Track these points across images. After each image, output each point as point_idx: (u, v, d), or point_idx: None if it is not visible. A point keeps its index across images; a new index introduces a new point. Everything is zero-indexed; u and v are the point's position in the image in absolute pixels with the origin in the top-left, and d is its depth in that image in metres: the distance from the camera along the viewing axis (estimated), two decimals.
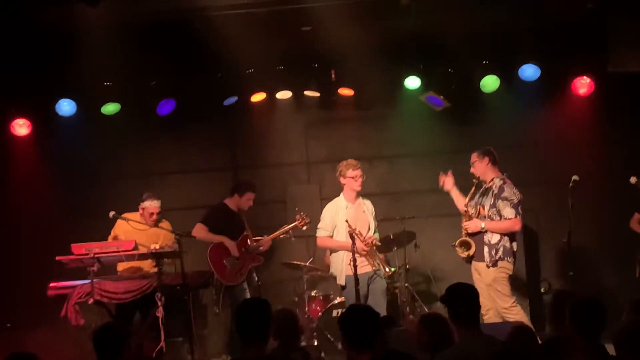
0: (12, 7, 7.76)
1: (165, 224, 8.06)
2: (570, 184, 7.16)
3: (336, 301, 8.31)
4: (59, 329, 7.89)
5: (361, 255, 7.46)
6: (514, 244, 7.30)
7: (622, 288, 8.53)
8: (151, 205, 7.98)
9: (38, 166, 9.45)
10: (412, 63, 9.13)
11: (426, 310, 8.58)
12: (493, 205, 7.28)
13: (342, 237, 7.59)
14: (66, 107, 9.20)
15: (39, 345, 8.33)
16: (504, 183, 7.32)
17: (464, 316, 4.59)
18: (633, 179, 7.43)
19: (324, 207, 7.90)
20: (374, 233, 7.71)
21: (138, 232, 7.91)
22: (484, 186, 7.48)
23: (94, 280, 7.38)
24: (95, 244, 7.64)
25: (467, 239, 7.33)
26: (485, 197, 7.39)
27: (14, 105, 9.21)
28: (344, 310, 4.71)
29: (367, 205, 7.80)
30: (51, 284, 7.57)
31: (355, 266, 7.30)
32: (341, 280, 7.57)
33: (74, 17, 7.82)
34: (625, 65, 8.50)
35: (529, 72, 9.03)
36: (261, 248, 8.21)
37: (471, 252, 7.31)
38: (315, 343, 8.31)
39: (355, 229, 7.40)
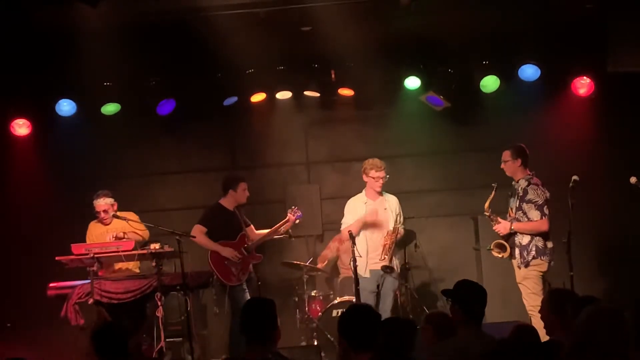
0: (12, 7, 7.76)
1: (131, 215, 8.00)
2: (571, 184, 7.16)
3: (336, 301, 8.32)
4: (59, 329, 7.89)
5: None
6: (549, 242, 7.28)
7: (623, 288, 8.53)
8: (98, 204, 7.96)
9: (38, 166, 9.44)
10: (412, 63, 9.13)
11: (426, 310, 8.58)
12: (519, 208, 7.31)
13: (360, 233, 7.76)
14: (66, 107, 9.20)
15: (39, 345, 8.36)
16: (529, 184, 7.31)
17: (474, 314, 4.60)
18: (633, 179, 7.42)
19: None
20: (400, 227, 7.83)
21: (116, 229, 7.89)
22: (514, 186, 7.48)
23: (94, 280, 7.38)
24: (94, 244, 7.64)
25: (502, 241, 7.35)
26: (513, 198, 7.42)
27: (14, 105, 9.21)
28: (345, 309, 4.71)
29: (390, 202, 7.91)
30: (51, 284, 7.57)
31: (355, 266, 7.36)
32: (366, 273, 7.68)
33: (74, 17, 7.82)
34: (625, 66, 8.50)
35: (529, 72, 9.03)
36: (285, 226, 8.15)
37: (506, 254, 7.33)
38: (315, 343, 8.30)
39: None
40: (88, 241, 7.92)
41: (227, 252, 7.86)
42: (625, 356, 3.48)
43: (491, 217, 7.40)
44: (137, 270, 7.95)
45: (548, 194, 7.29)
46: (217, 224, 7.96)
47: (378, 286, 7.78)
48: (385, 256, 7.71)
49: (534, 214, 7.23)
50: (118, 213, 7.96)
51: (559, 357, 3.88)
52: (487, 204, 7.40)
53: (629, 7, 8.25)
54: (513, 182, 7.50)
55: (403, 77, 9.15)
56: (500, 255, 7.40)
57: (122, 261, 7.76)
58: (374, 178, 7.81)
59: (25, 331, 8.59)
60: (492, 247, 7.45)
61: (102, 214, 7.95)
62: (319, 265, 8.96)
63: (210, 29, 8.10)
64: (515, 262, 7.32)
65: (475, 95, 9.20)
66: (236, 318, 7.67)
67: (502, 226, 7.34)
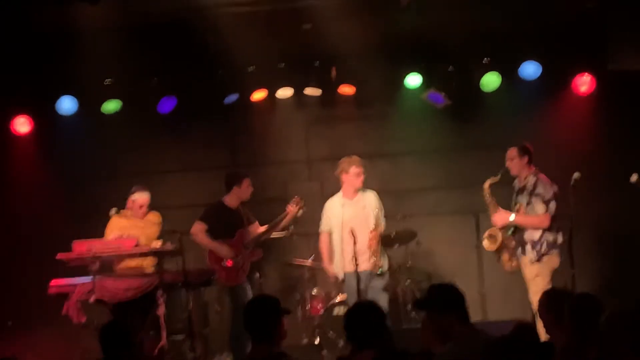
0: (12, 7, 7.77)
1: (155, 216, 8.02)
2: (572, 182, 7.17)
3: (337, 299, 8.32)
4: (60, 327, 7.89)
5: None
6: (559, 235, 7.27)
7: (623, 288, 8.52)
8: (140, 197, 7.96)
9: (39, 164, 9.45)
10: (412, 61, 9.14)
11: None
12: (529, 203, 7.31)
13: (336, 234, 7.72)
14: (67, 105, 9.22)
15: (40, 343, 8.38)
16: (537, 179, 7.34)
17: (458, 316, 4.59)
18: (634, 177, 7.43)
19: (325, 205, 7.95)
20: (381, 224, 7.76)
21: (133, 227, 7.89)
22: (517, 185, 7.47)
23: (95, 278, 7.38)
24: (96, 241, 7.63)
25: (494, 231, 7.35)
26: (521, 195, 7.41)
27: (15, 103, 9.22)
28: (349, 306, 4.70)
29: (368, 200, 7.78)
30: (52, 282, 7.56)
31: (356, 264, 7.34)
32: (340, 274, 7.68)
33: (74, 16, 7.84)
34: (626, 63, 8.51)
35: (530, 70, 9.04)
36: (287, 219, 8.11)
37: (495, 246, 7.33)
38: (317, 341, 8.31)
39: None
40: (108, 231, 7.92)
41: (223, 251, 7.85)
42: None
43: (491, 200, 7.39)
44: (152, 268, 7.89)
45: (556, 188, 7.30)
46: (218, 221, 7.95)
47: (366, 286, 7.69)
48: (374, 258, 7.63)
49: (540, 208, 7.24)
50: (152, 215, 8.01)
51: (553, 357, 3.88)
52: (487, 183, 7.41)
53: (629, 5, 8.26)
54: (515, 181, 7.50)
55: (404, 75, 9.16)
56: (488, 247, 7.39)
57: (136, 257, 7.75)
58: (356, 174, 7.72)
59: (26, 330, 8.60)
60: (485, 237, 7.44)
61: (144, 209, 7.95)
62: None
63: (211, 27, 8.12)
64: (526, 259, 7.28)
65: (476, 93, 9.21)
66: (237, 317, 7.68)
67: (500, 216, 7.34)
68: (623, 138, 9.09)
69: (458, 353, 4.40)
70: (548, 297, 4.87)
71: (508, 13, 8.34)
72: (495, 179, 7.45)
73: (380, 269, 7.61)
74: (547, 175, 7.48)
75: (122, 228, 7.90)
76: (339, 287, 8.43)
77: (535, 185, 7.32)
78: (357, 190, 7.79)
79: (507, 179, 7.55)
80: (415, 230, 8.80)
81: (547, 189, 7.29)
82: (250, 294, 7.76)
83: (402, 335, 6.15)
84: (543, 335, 4.69)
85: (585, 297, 4.52)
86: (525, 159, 7.42)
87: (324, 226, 7.91)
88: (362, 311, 4.38)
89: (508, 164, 7.47)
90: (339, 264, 7.69)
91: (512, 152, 7.46)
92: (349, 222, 7.65)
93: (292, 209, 8.04)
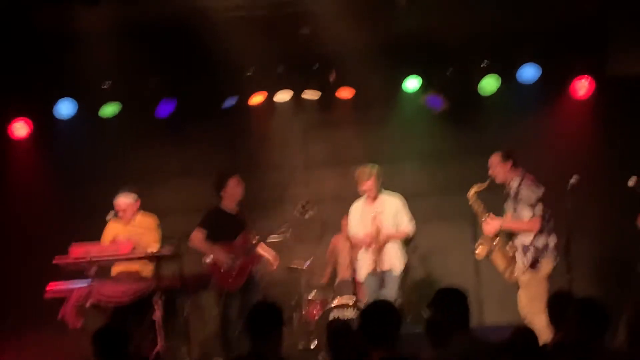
0: (12, 7, 7.77)
1: (150, 220, 7.97)
2: (569, 186, 7.15)
3: (333, 304, 8.29)
4: (58, 330, 7.87)
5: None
6: (550, 238, 7.17)
7: (622, 289, 8.52)
8: (120, 201, 7.94)
9: (37, 167, 9.44)
10: (411, 64, 9.15)
11: (423, 313, 8.56)
12: (516, 210, 7.22)
13: (357, 232, 7.81)
14: (66, 108, 9.21)
15: (37, 347, 8.35)
16: (520, 183, 7.22)
17: (456, 320, 4.60)
18: (631, 182, 7.43)
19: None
20: (407, 226, 7.88)
21: (126, 231, 7.86)
22: (505, 191, 7.43)
23: (92, 282, 7.36)
24: (93, 246, 7.61)
25: (485, 240, 7.34)
26: (507, 202, 7.33)
27: (13, 106, 9.22)
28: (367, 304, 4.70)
29: (388, 204, 7.88)
30: (49, 286, 7.54)
31: (353, 268, 7.36)
32: (360, 277, 7.73)
33: (74, 17, 7.84)
34: (625, 68, 8.52)
35: (529, 73, 9.05)
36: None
37: (484, 253, 7.31)
38: (313, 346, 8.29)
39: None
40: (104, 236, 7.93)
41: (219, 255, 7.80)
42: None
43: (479, 207, 7.36)
44: (150, 273, 7.86)
45: (542, 191, 7.21)
46: (216, 226, 7.93)
47: (380, 286, 7.76)
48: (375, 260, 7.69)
49: (526, 213, 7.16)
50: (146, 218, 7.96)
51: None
52: (472, 191, 7.37)
53: (629, 9, 8.27)
54: (505, 188, 7.44)
55: (402, 78, 9.17)
56: (479, 256, 7.38)
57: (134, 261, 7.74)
58: (361, 190, 7.85)
59: (24, 332, 8.58)
60: (477, 246, 7.43)
61: (120, 213, 7.93)
62: (324, 280, 9.00)
63: (210, 30, 8.11)
64: (520, 265, 7.23)
65: (475, 97, 9.22)
66: (226, 322, 7.69)
67: (492, 226, 7.28)
68: (621, 142, 9.08)
69: (455, 355, 4.41)
70: (554, 300, 4.88)
71: (507, 16, 8.35)
72: (482, 185, 7.39)
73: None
74: (545, 179, 7.43)
75: (118, 233, 7.88)
76: (337, 290, 8.44)
77: (518, 190, 7.21)
78: (375, 196, 7.81)
79: (498, 184, 7.52)
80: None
81: (532, 190, 7.16)
82: (249, 298, 7.71)
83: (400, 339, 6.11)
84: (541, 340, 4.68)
85: (589, 301, 4.51)
86: (509, 163, 7.29)
87: (350, 230, 7.99)
88: (379, 310, 4.37)
89: (491, 172, 7.35)
90: (362, 265, 7.75)
91: (495, 158, 7.33)
92: (365, 225, 7.79)
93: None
